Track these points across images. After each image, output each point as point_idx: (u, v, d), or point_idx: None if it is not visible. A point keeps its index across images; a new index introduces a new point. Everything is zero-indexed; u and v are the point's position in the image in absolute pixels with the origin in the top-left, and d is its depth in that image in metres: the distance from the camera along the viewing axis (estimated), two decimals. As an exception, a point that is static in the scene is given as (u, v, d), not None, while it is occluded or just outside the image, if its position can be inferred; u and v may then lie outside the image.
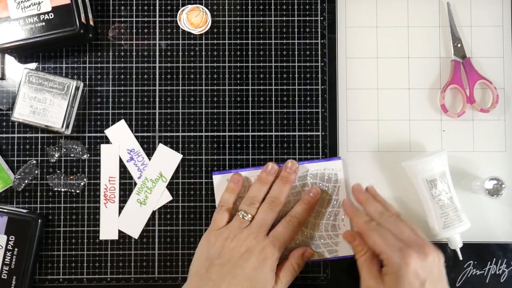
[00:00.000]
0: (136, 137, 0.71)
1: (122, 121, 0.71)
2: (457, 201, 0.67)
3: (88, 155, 0.71)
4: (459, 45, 0.71)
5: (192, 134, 0.71)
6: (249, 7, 0.72)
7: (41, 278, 0.70)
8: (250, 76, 0.72)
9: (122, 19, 0.72)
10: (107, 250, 0.70)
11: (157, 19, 0.72)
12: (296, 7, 0.72)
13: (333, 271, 0.71)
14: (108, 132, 0.71)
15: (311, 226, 0.70)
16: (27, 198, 0.70)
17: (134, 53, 0.72)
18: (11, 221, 0.68)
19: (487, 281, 0.70)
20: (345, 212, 0.68)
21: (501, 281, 0.70)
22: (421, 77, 0.72)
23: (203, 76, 0.72)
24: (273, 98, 0.72)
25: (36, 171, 0.71)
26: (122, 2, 0.72)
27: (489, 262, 0.70)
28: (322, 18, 0.72)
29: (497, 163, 0.71)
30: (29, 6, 0.67)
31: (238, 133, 0.71)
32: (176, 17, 0.72)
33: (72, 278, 0.70)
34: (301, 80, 0.72)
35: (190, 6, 0.72)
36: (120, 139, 0.71)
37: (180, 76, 0.72)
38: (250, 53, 0.72)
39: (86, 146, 0.71)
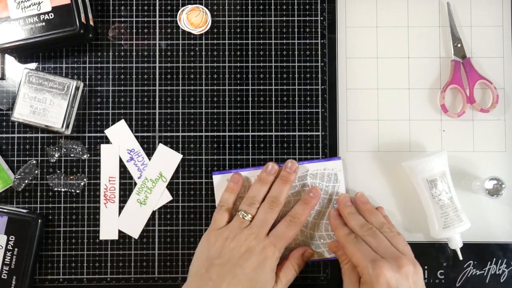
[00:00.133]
0: (136, 137, 0.71)
1: (122, 121, 0.71)
2: (457, 201, 0.67)
3: (88, 155, 0.71)
4: (459, 45, 0.71)
5: (192, 134, 0.71)
6: (249, 7, 0.72)
7: (41, 278, 0.70)
8: (250, 76, 0.72)
9: (122, 19, 0.72)
10: (107, 250, 0.70)
11: (157, 19, 0.72)
12: (296, 7, 0.72)
13: (333, 271, 0.71)
14: (108, 132, 0.71)
15: (311, 226, 0.70)
16: (27, 198, 0.70)
17: (134, 53, 0.72)
18: (11, 221, 0.68)
19: (487, 281, 0.70)
20: (330, 224, 0.69)
21: (501, 281, 0.70)
22: (421, 77, 0.72)
23: (203, 76, 0.72)
24: (273, 98, 0.72)
25: (36, 171, 0.71)
26: (122, 2, 0.72)
27: (489, 262, 0.70)
28: (322, 18, 0.72)
29: (497, 163, 0.71)
30: (29, 6, 0.67)
31: (238, 133, 0.71)
32: (176, 17, 0.72)
33: (72, 278, 0.70)
34: (301, 80, 0.72)
35: (190, 6, 0.72)
36: (120, 139, 0.71)
37: (180, 76, 0.72)
38: (250, 53, 0.72)
39: (86, 146, 0.71)
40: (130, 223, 0.70)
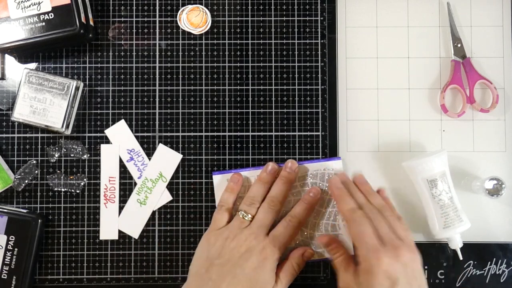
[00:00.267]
0: (136, 137, 0.71)
1: (122, 121, 0.71)
2: (457, 201, 0.67)
3: (88, 155, 0.71)
4: (459, 45, 0.71)
5: (192, 134, 0.71)
6: (249, 7, 0.72)
7: (41, 278, 0.70)
8: (250, 76, 0.72)
9: (122, 19, 0.72)
10: (107, 250, 0.70)
11: (157, 19, 0.72)
12: (296, 7, 0.72)
13: (333, 271, 0.71)
14: (108, 132, 0.71)
15: (311, 226, 0.70)
16: (27, 198, 0.70)
17: (134, 53, 0.72)
18: (11, 221, 0.68)
19: (487, 281, 0.70)
20: (331, 193, 0.67)
21: (501, 281, 0.70)
22: (421, 77, 0.72)
23: (203, 76, 0.72)
24: (273, 98, 0.72)
25: (36, 171, 0.71)
26: (122, 2, 0.72)
27: (489, 262, 0.70)
28: (322, 18, 0.72)
29: (497, 163, 0.71)
30: (29, 6, 0.67)
31: (238, 133, 0.71)
32: (176, 17, 0.72)
33: (72, 278, 0.70)
34: (301, 80, 0.72)
35: (190, 6, 0.72)
36: (120, 139, 0.71)
37: (180, 76, 0.72)
38: (250, 53, 0.72)
39: (86, 146, 0.71)
40: (130, 223, 0.70)
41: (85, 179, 0.71)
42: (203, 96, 0.71)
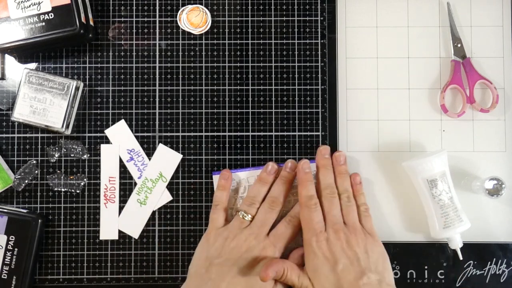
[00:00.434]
0: (136, 137, 0.71)
1: (122, 121, 0.71)
2: (457, 201, 0.67)
3: (88, 155, 0.71)
4: (459, 45, 0.71)
5: (192, 134, 0.71)
6: (249, 7, 0.72)
7: (41, 278, 0.70)
8: (250, 76, 0.72)
9: (122, 19, 0.72)
10: (107, 250, 0.70)
11: (157, 19, 0.72)
12: (296, 7, 0.72)
13: (333, 271, 0.71)
14: (108, 132, 0.71)
15: (311, 226, 0.70)
16: (27, 198, 0.70)
17: (134, 53, 0.72)
18: (11, 221, 0.68)
19: (487, 281, 0.70)
20: (297, 176, 0.68)
21: (501, 281, 0.70)
22: (421, 77, 0.72)
23: (203, 76, 0.72)
24: (273, 98, 0.72)
25: (36, 171, 0.71)
26: (122, 2, 0.72)
27: (489, 262, 0.70)
28: (322, 18, 0.72)
29: (497, 163, 0.71)
30: (29, 6, 0.67)
31: (238, 133, 0.71)
32: (176, 17, 0.72)
33: (72, 278, 0.70)
34: (301, 80, 0.72)
35: (190, 6, 0.72)
36: (120, 139, 0.71)
37: (180, 76, 0.72)
38: (250, 53, 0.72)
39: (86, 146, 0.71)
40: (130, 223, 0.70)
41: (85, 179, 0.71)
42: (203, 96, 0.71)
